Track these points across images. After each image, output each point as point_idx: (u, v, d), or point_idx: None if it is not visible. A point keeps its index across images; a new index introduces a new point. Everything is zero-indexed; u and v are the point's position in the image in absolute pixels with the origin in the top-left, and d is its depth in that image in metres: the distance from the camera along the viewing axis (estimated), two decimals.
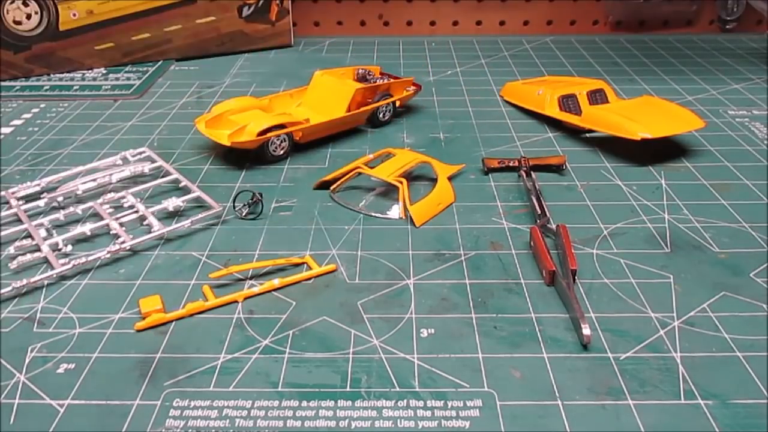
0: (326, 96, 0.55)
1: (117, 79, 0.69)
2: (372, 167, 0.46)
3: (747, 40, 0.81)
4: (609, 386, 0.29)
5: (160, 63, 0.73)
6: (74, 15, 0.67)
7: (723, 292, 0.35)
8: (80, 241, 0.40)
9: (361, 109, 0.55)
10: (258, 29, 0.77)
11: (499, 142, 0.54)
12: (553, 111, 0.56)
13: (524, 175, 0.46)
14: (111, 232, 0.41)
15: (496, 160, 0.49)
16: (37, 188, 0.46)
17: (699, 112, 0.56)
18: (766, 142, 0.53)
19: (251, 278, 0.37)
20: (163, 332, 0.33)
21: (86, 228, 0.40)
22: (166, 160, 0.50)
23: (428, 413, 0.28)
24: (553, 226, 0.40)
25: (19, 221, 0.42)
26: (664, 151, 0.51)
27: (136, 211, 0.42)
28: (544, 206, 0.42)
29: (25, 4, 0.66)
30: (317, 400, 0.29)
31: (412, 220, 0.42)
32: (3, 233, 0.40)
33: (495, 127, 0.57)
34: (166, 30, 0.72)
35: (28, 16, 0.66)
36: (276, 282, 0.36)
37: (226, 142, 0.48)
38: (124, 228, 0.41)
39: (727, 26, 0.86)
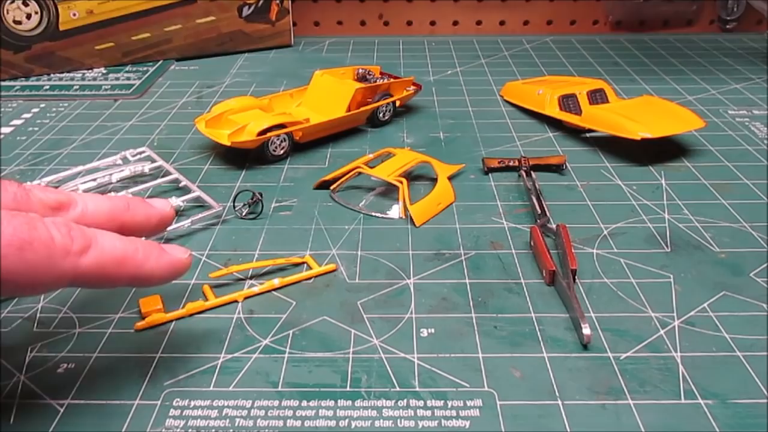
0: (326, 96, 0.55)
1: (117, 78, 0.69)
2: (372, 167, 0.46)
3: (747, 40, 0.81)
4: (609, 386, 0.29)
5: (160, 63, 0.74)
6: (74, 15, 0.67)
7: (723, 292, 0.35)
8: None
9: (361, 108, 0.54)
10: (258, 29, 0.77)
11: (499, 142, 0.54)
12: (553, 111, 0.56)
13: (524, 174, 0.46)
14: None
15: (496, 159, 0.49)
16: None
17: (699, 112, 0.56)
18: (766, 142, 0.53)
19: (251, 278, 0.37)
20: (163, 332, 0.33)
21: None
22: (166, 159, 0.50)
23: (428, 413, 0.28)
24: (553, 226, 0.40)
25: None
26: (664, 151, 0.51)
27: None
28: (544, 206, 0.42)
29: (25, 4, 0.65)
30: (317, 400, 0.29)
31: (412, 219, 0.42)
32: None
33: (495, 126, 0.57)
34: (166, 30, 0.72)
35: (28, 16, 0.66)
36: (276, 282, 0.36)
37: (226, 142, 0.48)
38: None
39: (727, 26, 0.86)
